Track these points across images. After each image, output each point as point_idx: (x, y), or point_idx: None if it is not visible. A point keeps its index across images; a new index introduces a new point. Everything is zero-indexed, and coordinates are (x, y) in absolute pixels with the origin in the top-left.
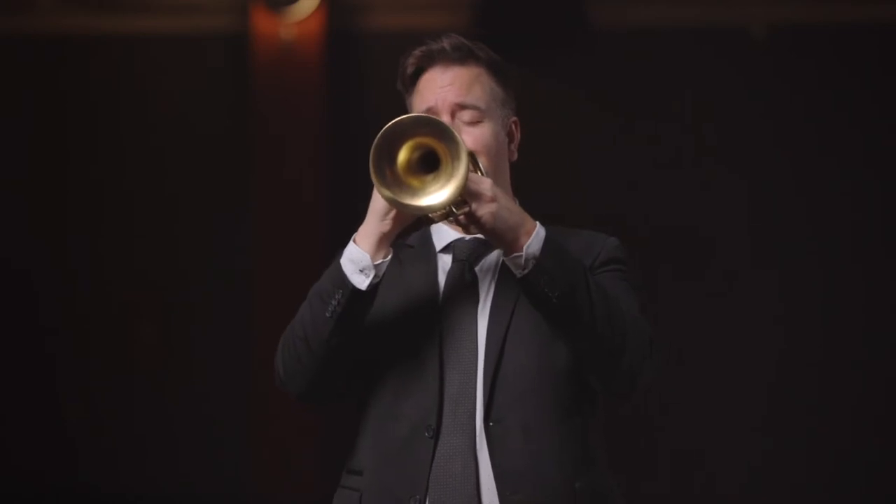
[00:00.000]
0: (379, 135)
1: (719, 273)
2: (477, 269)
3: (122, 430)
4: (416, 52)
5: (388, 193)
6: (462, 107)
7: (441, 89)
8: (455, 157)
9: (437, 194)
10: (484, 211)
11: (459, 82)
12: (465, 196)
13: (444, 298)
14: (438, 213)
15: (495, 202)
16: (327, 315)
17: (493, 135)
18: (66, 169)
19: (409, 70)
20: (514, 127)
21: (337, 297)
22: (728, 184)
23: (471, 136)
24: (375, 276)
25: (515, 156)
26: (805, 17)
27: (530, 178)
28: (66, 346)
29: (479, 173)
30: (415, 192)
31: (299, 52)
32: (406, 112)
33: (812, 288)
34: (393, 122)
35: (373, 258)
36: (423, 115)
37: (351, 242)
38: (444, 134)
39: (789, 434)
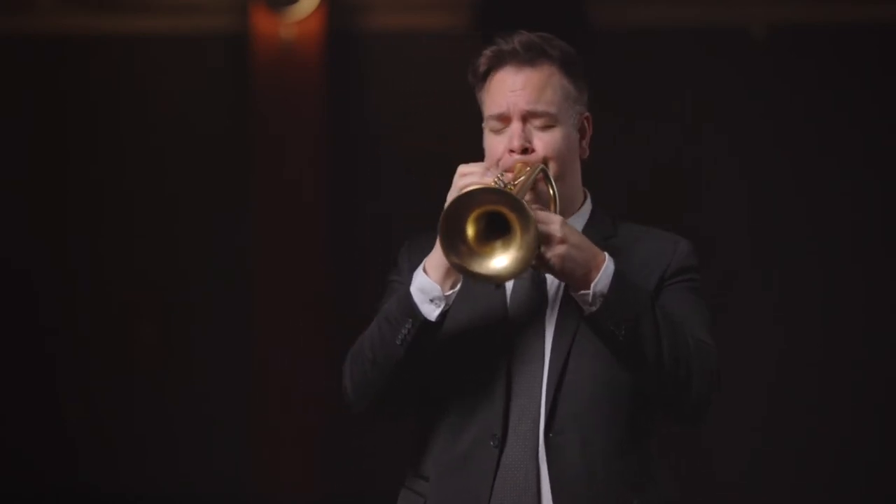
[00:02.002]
0: (450, 203)
1: (719, 273)
2: (544, 280)
3: (122, 430)
4: (488, 52)
5: (455, 261)
6: (533, 114)
7: (512, 93)
8: (525, 227)
9: (504, 263)
10: (552, 254)
11: (531, 86)
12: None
13: (511, 310)
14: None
15: (565, 244)
16: (398, 343)
17: (564, 138)
18: (66, 169)
19: (481, 69)
20: (586, 123)
21: (407, 326)
22: (728, 184)
23: (542, 142)
24: (446, 305)
25: (587, 153)
26: (805, 17)
27: None
28: (66, 346)
29: (550, 188)
30: (482, 260)
31: (299, 52)
32: (475, 103)
33: (812, 288)
34: (465, 191)
35: (443, 288)
36: (493, 186)
37: (420, 271)
38: (514, 205)
39: (789, 434)
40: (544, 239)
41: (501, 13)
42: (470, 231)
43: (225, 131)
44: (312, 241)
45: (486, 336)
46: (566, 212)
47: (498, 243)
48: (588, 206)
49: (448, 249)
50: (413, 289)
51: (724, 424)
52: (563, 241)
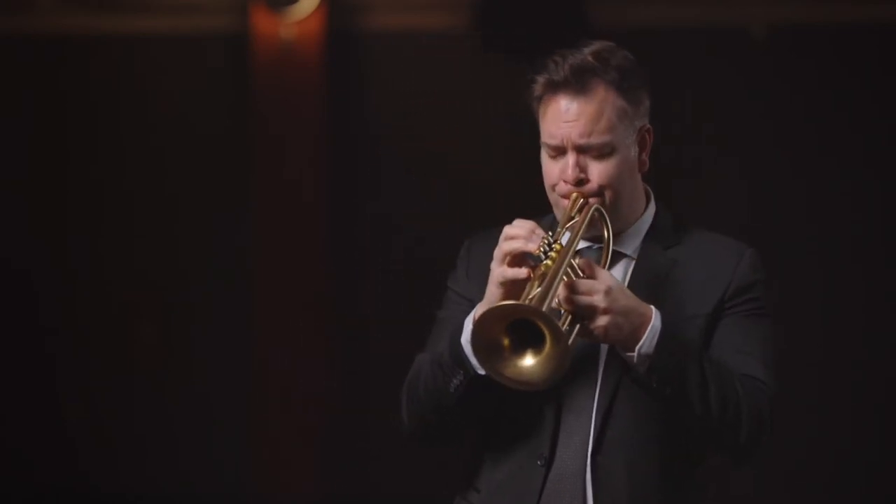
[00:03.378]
0: (481, 315)
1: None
2: None
3: (122, 430)
4: (540, 80)
5: (489, 367)
6: (588, 146)
7: (566, 124)
8: (557, 340)
9: (538, 372)
10: (596, 325)
11: (585, 117)
12: (576, 310)
13: None
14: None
15: (608, 314)
16: (451, 391)
17: (620, 164)
18: (66, 169)
19: (536, 93)
20: (646, 135)
21: (458, 377)
22: (728, 183)
23: (597, 171)
24: None
25: (647, 165)
26: (805, 17)
27: (530, 179)
28: (66, 346)
29: (605, 230)
30: (515, 368)
31: (299, 52)
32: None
33: (812, 288)
34: (498, 306)
35: None
36: (523, 305)
37: (470, 322)
38: (546, 321)
39: (789, 434)
40: (587, 311)
41: (501, 13)
42: (504, 341)
43: (225, 131)
44: (312, 241)
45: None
46: (627, 221)
47: (530, 351)
48: (651, 211)
49: (482, 358)
50: (464, 340)
51: None
52: (606, 311)
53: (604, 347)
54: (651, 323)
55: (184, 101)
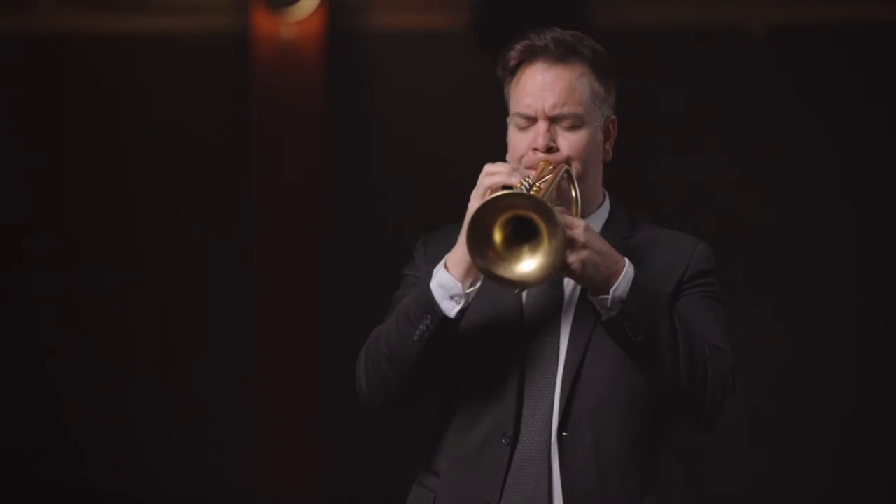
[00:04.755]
0: (479, 207)
1: (719, 273)
2: (561, 281)
3: (122, 430)
4: (518, 47)
5: (481, 265)
6: (561, 115)
7: (542, 92)
8: (553, 234)
9: (531, 269)
10: (575, 258)
11: (560, 86)
12: None
13: (527, 310)
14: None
15: (587, 249)
16: (415, 339)
17: (589, 139)
18: (66, 168)
19: (511, 63)
20: (611, 126)
21: (426, 322)
22: (728, 183)
23: (567, 142)
24: (465, 303)
25: (610, 155)
26: (805, 17)
27: None
28: (66, 346)
29: (573, 190)
30: (508, 265)
31: (299, 52)
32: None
33: (812, 288)
34: (494, 196)
35: (463, 286)
36: (522, 192)
37: (441, 268)
38: (543, 210)
39: (789, 434)
40: (568, 242)
41: (501, 13)
42: (497, 236)
43: (225, 131)
44: (312, 241)
45: (501, 335)
46: (585, 212)
47: (525, 248)
48: (606, 207)
49: (475, 253)
50: (433, 285)
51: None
52: (585, 245)
53: (566, 326)
54: (625, 269)
55: (184, 100)
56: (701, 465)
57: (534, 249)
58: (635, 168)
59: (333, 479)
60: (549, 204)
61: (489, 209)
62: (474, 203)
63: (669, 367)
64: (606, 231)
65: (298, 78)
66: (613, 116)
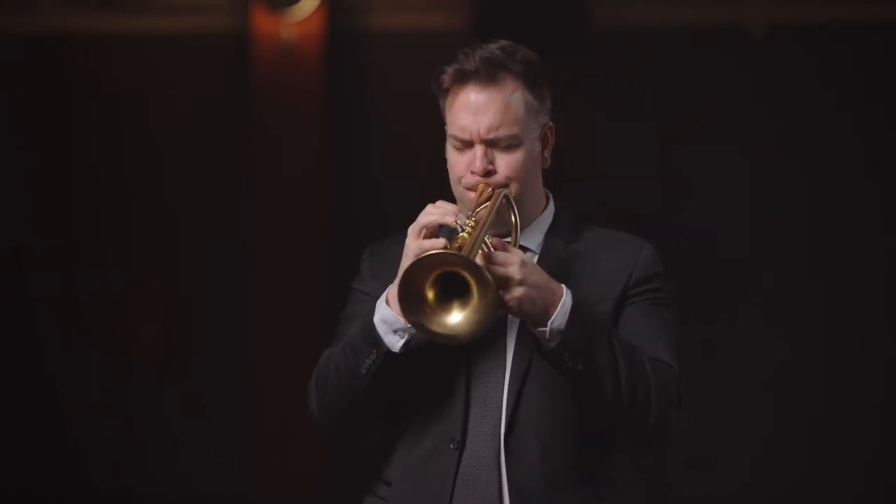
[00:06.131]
0: (409, 265)
1: (719, 272)
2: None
3: (122, 430)
4: (450, 71)
5: (414, 319)
6: (497, 138)
7: (476, 116)
8: (483, 292)
9: (463, 325)
10: (511, 296)
11: (494, 108)
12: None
13: None
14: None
15: (523, 286)
16: (363, 372)
17: (526, 156)
18: (66, 168)
19: (444, 85)
20: (549, 133)
21: (371, 357)
22: (728, 183)
23: (505, 163)
24: (409, 336)
25: (549, 162)
26: (805, 17)
27: None
28: (67, 346)
29: (513, 215)
30: (441, 319)
31: (299, 52)
32: (437, 109)
33: (812, 288)
34: (426, 255)
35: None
36: (453, 253)
37: (383, 303)
38: (474, 270)
39: (789, 434)
40: (502, 282)
41: (501, 14)
42: (430, 293)
43: (225, 131)
44: (312, 242)
45: (448, 346)
46: (529, 217)
47: (456, 303)
48: (550, 210)
49: (407, 310)
50: (377, 319)
51: (724, 424)
52: (521, 283)
53: (512, 331)
54: (563, 299)
55: (184, 100)
56: (701, 465)
57: (464, 305)
58: (635, 167)
59: (333, 479)
60: (479, 266)
61: (421, 265)
62: (410, 246)
63: (610, 390)
64: (550, 236)
65: (298, 78)
66: (550, 123)
